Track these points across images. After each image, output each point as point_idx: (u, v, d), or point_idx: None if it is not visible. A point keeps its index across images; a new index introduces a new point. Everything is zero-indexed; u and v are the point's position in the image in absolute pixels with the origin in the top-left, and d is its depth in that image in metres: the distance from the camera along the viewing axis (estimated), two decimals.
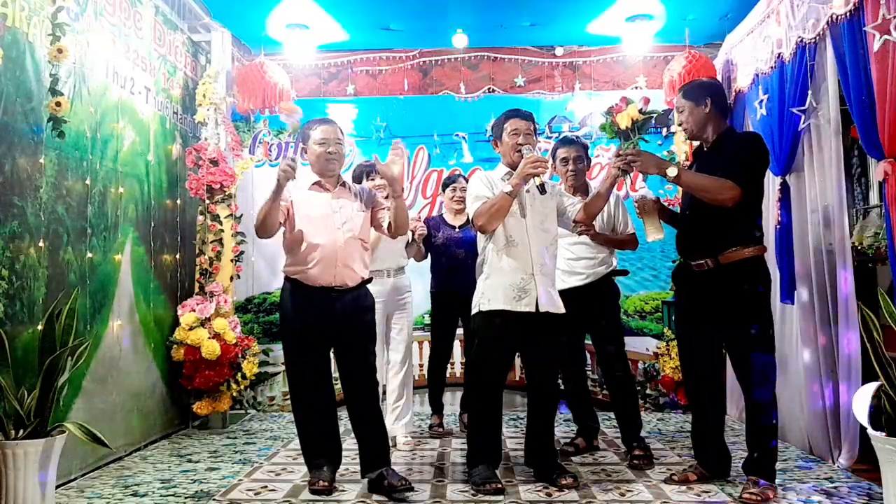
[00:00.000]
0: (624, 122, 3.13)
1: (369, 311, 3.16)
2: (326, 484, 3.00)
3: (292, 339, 3.08)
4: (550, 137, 5.28)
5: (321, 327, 3.01)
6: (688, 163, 4.79)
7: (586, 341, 3.90)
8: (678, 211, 3.34)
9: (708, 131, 3.04)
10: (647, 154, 3.04)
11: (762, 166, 2.96)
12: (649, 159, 3.02)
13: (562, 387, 3.75)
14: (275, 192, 2.88)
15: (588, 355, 4.43)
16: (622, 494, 2.96)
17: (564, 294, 3.32)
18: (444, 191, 4.30)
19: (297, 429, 3.16)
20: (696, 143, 4.07)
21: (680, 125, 3.16)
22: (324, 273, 2.98)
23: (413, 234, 3.83)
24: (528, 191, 3.09)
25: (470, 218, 3.16)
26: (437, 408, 4.27)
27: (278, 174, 2.84)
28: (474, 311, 3.11)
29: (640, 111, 3.11)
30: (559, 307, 3.10)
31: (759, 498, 2.79)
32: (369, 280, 3.17)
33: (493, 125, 3.27)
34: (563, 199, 3.29)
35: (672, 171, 2.91)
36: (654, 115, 3.19)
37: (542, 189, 2.96)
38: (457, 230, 4.11)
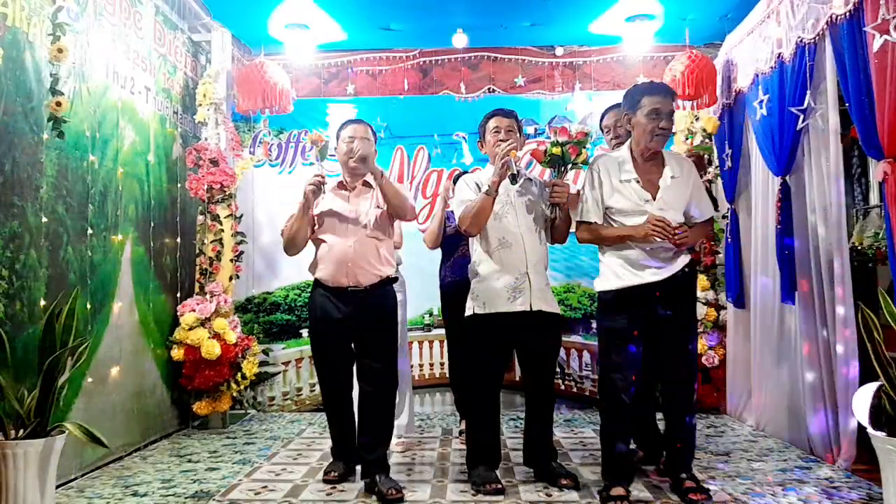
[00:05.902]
0: (543, 157, 3.12)
1: (391, 312, 3.15)
2: (336, 475, 3.19)
3: (315, 340, 3.19)
4: (550, 137, 5.27)
5: (339, 327, 3.06)
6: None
7: None
8: None
9: None
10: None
11: None
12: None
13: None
14: (302, 207, 2.97)
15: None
16: None
17: (635, 290, 2.84)
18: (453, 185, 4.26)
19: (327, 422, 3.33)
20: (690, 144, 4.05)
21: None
22: (336, 273, 3.04)
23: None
24: (519, 191, 3.08)
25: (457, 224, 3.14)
26: (465, 413, 3.96)
27: (306, 189, 2.94)
28: (468, 312, 3.10)
29: (559, 143, 3.04)
30: (553, 306, 3.10)
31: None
32: (394, 280, 3.17)
33: (479, 126, 3.24)
34: (547, 208, 3.16)
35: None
36: (575, 143, 3.04)
37: (513, 179, 2.89)
38: None
